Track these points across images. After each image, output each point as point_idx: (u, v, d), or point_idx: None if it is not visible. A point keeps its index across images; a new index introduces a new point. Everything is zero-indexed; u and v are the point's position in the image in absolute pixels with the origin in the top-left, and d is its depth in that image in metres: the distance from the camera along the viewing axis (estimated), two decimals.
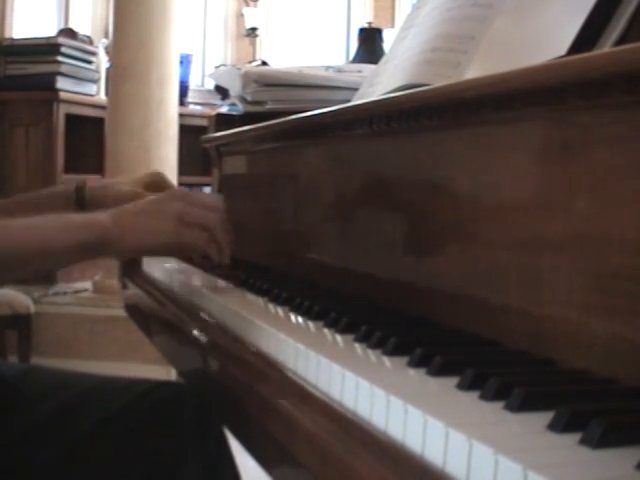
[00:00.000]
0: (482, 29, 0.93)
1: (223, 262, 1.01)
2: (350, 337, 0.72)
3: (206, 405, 1.04)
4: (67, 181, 3.80)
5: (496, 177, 0.74)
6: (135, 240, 0.94)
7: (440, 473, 0.46)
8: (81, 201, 1.19)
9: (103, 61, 4.16)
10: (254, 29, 6.59)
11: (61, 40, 3.82)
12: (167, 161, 3.53)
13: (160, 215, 0.94)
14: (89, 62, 3.99)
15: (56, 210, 1.19)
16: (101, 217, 0.93)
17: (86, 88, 3.97)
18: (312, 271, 1.11)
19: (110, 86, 3.64)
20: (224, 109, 1.78)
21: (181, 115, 3.75)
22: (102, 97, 4.05)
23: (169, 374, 2.57)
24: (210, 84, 4.15)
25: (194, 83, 5.05)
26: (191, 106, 4.62)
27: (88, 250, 0.93)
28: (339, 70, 1.72)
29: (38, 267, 0.98)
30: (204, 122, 2.82)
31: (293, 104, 1.56)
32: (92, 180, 1.25)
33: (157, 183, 1.27)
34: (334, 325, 0.76)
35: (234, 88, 1.67)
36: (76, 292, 3.61)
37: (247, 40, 6.65)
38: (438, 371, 0.59)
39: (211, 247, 0.98)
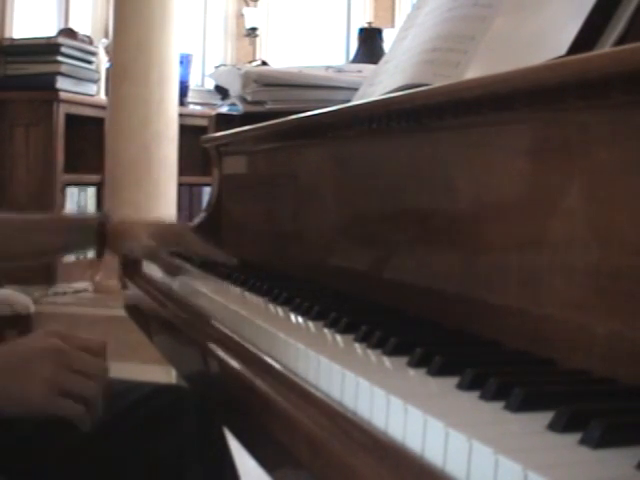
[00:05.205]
0: (482, 29, 0.93)
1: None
2: (350, 337, 0.72)
3: (207, 407, 1.04)
4: (67, 181, 3.80)
5: (496, 177, 0.74)
6: None
7: (440, 473, 0.46)
8: (101, 234, 1.21)
9: (103, 61, 4.16)
10: (254, 29, 6.58)
11: (61, 40, 3.82)
12: (167, 161, 3.53)
13: (28, 377, 0.78)
14: (89, 62, 3.99)
15: (78, 236, 1.22)
16: None
17: (86, 88, 3.97)
18: (312, 271, 1.11)
19: (110, 86, 3.64)
20: (224, 109, 1.78)
21: (181, 115, 3.75)
22: (102, 97, 4.05)
23: (169, 374, 2.57)
24: (210, 84, 4.15)
25: (194, 83, 5.05)
26: (191, 106, 4.62)
27: None
28: (339, 70, 1.72)
29: None
30: (204, 122, 2.81)
31: (293, 104, 1.56)
32: (117, 218, 1.26)
33: (175, 242, 1.26)
34: (334, 325, 0.76)
35: (234, 88, 1.67)
36: (76, 292, 3.62)
37: (247, 40, 6.64)
38: (438, 371, 0.59)
39: (85, 419, 0.83)
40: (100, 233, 1.21)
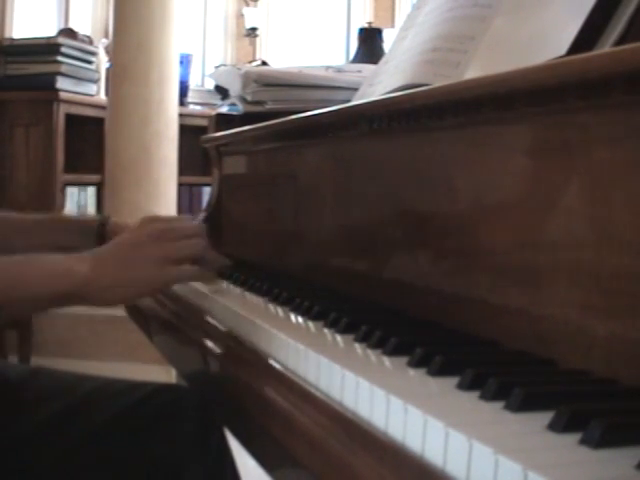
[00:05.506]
0: (482, 29, 0.93)
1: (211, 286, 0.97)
2: (350, 337, 0.72)
3: (207, 407, 1.04)
4: (67, 181, 3.80)
5: (496, 177, 0.74)
6: (119, 293, 0.89)
7: (440, 473, 0.46)
8: (101, 235, 1.20)
9: (103, 61, 4.16)
10: (254, 29, 6.58)
11: (61, 40, 3.82)
12: (167, 161, 3.53)
13: (143, 262, 0.89)
14: (89, 62, 3.98)
15: (78, 237, 1.22)
16: (82, 268, 0.87)
17: (86, 88, 3.97)
18: (312, 271, 1.11)
19: (110, 86, 3.64)
20: (224, 109, 1.78)
21: (181, 115, 3.75)
22: (102, 97, 4.04)
23: (169, 374, 2.57)
24: (210, 84, 4.15)
25: (194, 83, 5.04)
26: (191, 106, 4.61)
27: (65, 301, 0.89)
28: (339, 70, 1.71)
29: (14, 311, 0.96)
30: (204, 122, 2.82)
31: (293, 104, 1.55)
32: (114, 220, 1.26)
33: None
34: (334, 325, 0.76)
35: (234, 88, 1.67)
36: None
37: (247, 40, 6.64)
38: (438, 371, 0.59)
39: (199, 277, 0.95)
40: (100, 234, 1.20)
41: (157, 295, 1.03)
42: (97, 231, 1.21)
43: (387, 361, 0.64)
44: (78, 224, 1.27)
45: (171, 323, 1.07)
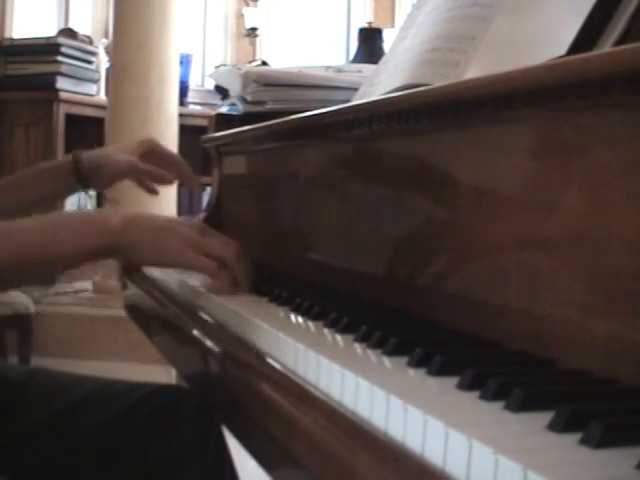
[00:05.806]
0: (482, 29, 0.93)
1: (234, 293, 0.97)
2: (350, 337, 0.71)
3: (206, 407, 1.04)
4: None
5: (496, 177, 0.74)
6: (144, 251, 0.92)
7: (440, 473, 0.46)
8: (78, 172, 1.22)
9: (103, 61, 4.17)
10: (254, 29, 6.58)
11: (61, 40, 3.82)
12: None
13: (174, 234, 0.93)
14: (89, 62, 3.99)
15: (57, 183, 1.24)
16: (113, 221, 0.91)
17: (86, 88, 3.97)
18: (312, 271, 1.11)
19: (110, 86, 3.64)
20: (224, 109, 1.78)
21: (181, 115, 3.76)
22: (102, 97, 4.05)
23: (169, 374, 2.57)
24: (210, 84, 4.15)
25: (194, 83, 5.05)
26: (191, 106, 4.62)
27: (97, 255, 0.92)
28: (339, 70, 1.71)
29: (44, 272, 0.98)
30: (204, 122, 2.82)
31: (293, 104, 1.56)
32: (88, 152, 1.28)
33: (152, 151, 1.31)
34: (334, 325, 0.76)
35: (234, 88, 1.67)
36: (76, 292, 3.62)
37: (247, 40, 6.65)
38: (438, 371, 0.59)
39: (220, 277, 0.95)
40: (76, 169, 1.23)
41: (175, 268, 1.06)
42: (72, 168, 1.23)
43: (387, 361, 0.64)
44: (54, 171, 1.27)
45: (171, 323, 1.07)
